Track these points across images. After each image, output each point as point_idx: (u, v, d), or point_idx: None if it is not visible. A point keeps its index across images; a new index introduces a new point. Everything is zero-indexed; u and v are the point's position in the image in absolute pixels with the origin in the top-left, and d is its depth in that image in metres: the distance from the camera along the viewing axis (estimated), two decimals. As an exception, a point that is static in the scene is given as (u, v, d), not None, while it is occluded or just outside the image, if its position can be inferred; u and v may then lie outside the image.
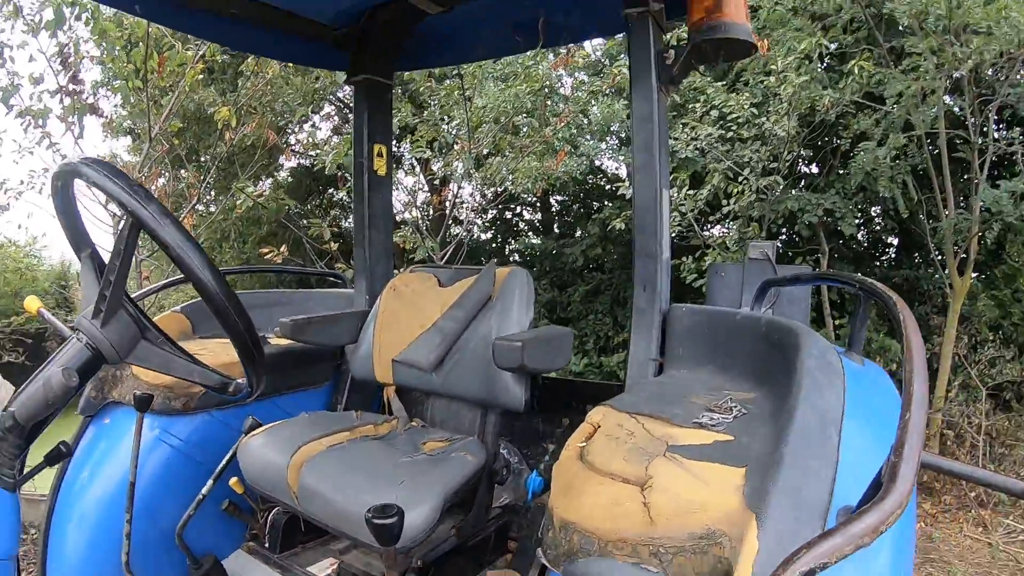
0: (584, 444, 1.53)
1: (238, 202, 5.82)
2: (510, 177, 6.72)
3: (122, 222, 1.32)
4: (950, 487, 5.42)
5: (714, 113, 6.44)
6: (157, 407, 2.28)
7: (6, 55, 5.21)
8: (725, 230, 7.00)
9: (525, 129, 7.01)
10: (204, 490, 2.22)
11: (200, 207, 7.27)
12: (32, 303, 1.62)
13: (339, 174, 6.60)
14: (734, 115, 6.24)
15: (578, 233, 9.50)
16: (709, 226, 7.18)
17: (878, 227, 7.96)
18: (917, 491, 3.88)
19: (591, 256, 8.69)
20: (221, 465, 2.27)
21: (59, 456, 1.41)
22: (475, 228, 7.94)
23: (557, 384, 2.98)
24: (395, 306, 2.57)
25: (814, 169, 7.50)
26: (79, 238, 1.47)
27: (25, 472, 1.65)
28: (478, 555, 2.34)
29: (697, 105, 6.54)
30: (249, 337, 1.38)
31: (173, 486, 2.32)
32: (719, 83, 6.53)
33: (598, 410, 1.72)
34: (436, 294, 2.52)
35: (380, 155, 2.91)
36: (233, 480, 2.33)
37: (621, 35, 2.93)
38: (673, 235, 6.41)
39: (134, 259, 6.22)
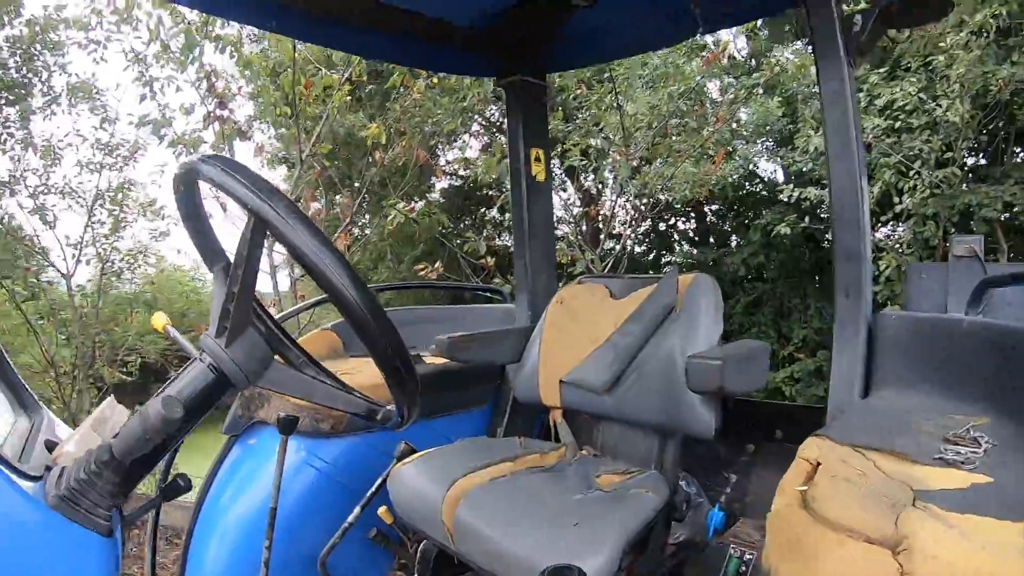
0: (805, 488, 1.21)
1: (389, 218, 5.79)
2: (667, 185, 6.38)
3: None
4: None
5: (878, 103, 5.96)
6: (304, 429, 2.17)
7: (156, 88, 5.49)
8: (897, 230, 6.40)
9: (679, 135, 6.66)
10: (350, 518, 2.09)
11: (355, 230, 7.37)
12: (158, 320, 1.51)
13: (490, 194, 6.52)
14: (900, 103, 5.73)
15: (734, 242, 9.02)
16: (880, 226, 6.60)
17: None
18: None
19: (752, 265, 8.19)
20: (370, 493, 2.12)
21: (176, 491, 1.24)
22: (629, 241, 7.63)
23: (741, 405, 2.62)
24: (562, 321, 2.31)
25: (983, 160, 6.77)
26: (210, 248, 1.30)
27: (139, 507, 1.53)
28: None
29: (860, 95, 6.00)
30: (398, 356, 1.15)
31: (318, 511, 2.21)
32: (880, 70, 6.00)
33: (812, 443, 1.39)
34: (609, 307, 2.24)
35: (538, 160, 2.70)
36: (382, 509, 2.17)
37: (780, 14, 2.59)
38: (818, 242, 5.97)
39: (289, 279, 6.41)
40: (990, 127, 5.98)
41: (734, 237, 9.30)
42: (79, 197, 6.88)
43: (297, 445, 2.17)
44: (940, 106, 5.51)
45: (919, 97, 5.67)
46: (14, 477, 0.91)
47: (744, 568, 1.79)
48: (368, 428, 2.29)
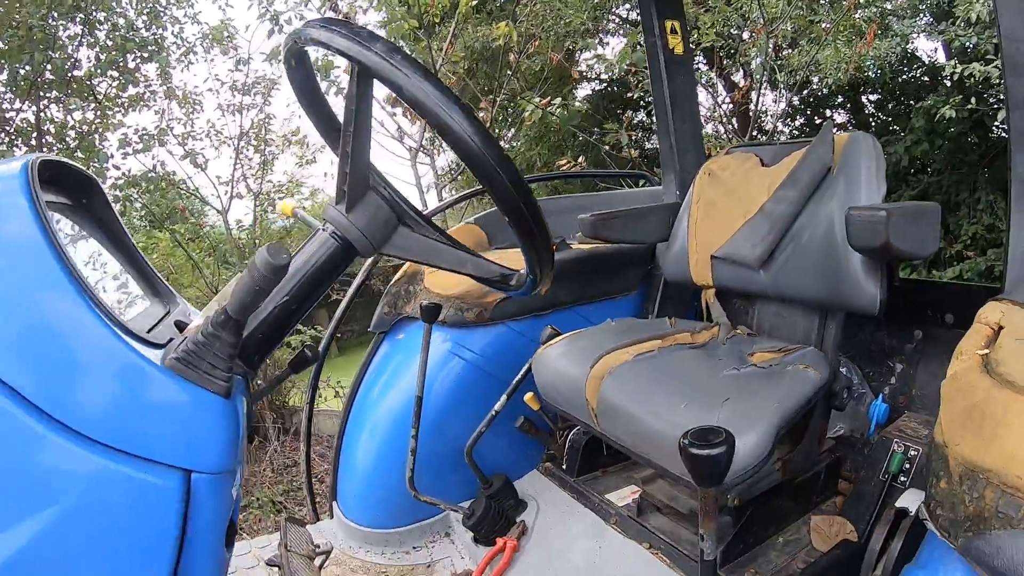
0: (986, 351, 1.08)
1: (527, 113, 5.69)
2: (815, 69, 5.92)
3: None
4: None
5: None
6: (449, 319, 2.20)
7: (282, 21, 5.58)
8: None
9: (822, 11, 6.13)
10: (497, 406, 2.10)
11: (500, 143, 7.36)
12: (287, 206, 1.52)
13: (635, 96, 6.28)
14: None
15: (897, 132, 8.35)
16: None
17: None
18: None
19: (916, 154, 7.56)
20: (516, 379, 2.13)
21: (304, 362, 1.25)
22: (782, 137, 7.19)
23: (906, 286, 2.39)
24: (711, 194, 2.17)
25: None
26: (328, 124, 1.28)
27: (273, 377, 1.56)
28: (804, 497, 1.94)
29: None
30: (523, 202, 1.05)
31: (464, 401, 2.25)
32: None
33: (992, 306, 1.24)
34: (760, 175, 2.08)
35: (674, 32, 2.51)
36: (528, 396, 2.18)
37: None
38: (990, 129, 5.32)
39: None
40: None
41: (895, 127, 8.60)
42: (225, 139, 7.24)
43: (443, 336, 2.21)
44: None
45: None
46: (134, 343, 0.92)
47: (909, 465, 1.70)
48: (514, 316, 2.30)
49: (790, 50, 6.15)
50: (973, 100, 6.50)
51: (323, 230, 1.10)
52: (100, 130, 6.47)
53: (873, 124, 9.28)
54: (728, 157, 2.25)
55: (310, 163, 8.06)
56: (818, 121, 9.39)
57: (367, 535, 2.24)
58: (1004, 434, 0.88)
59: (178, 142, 7.04)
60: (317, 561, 1.79)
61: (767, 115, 7.14)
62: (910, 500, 1.48)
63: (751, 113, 6.69)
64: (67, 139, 6.36)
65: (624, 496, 2.10)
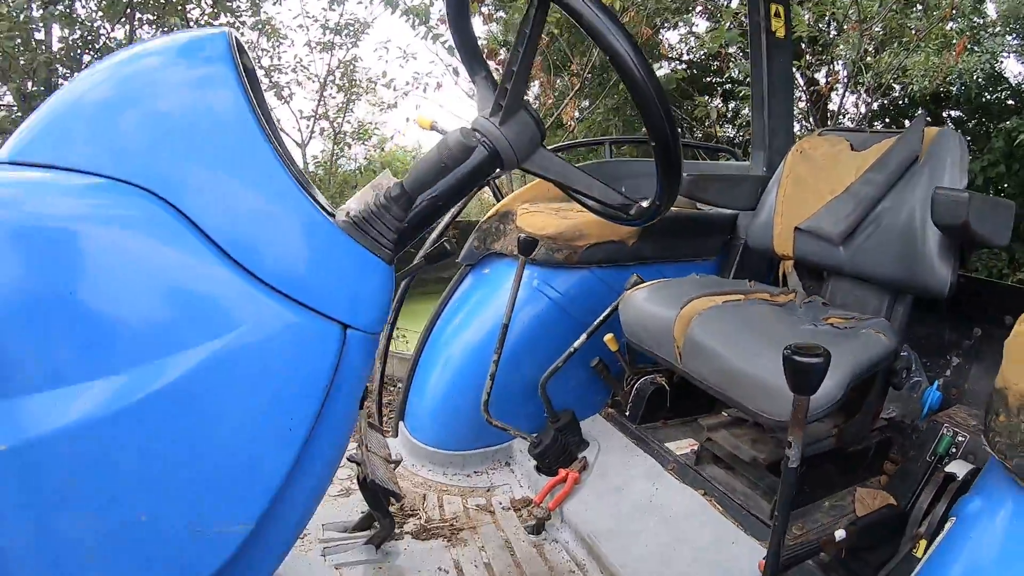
0: None
1: (612, 83, 5.80)
2: (901, 74, 5.92)
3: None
4: None
5: None
6: (539, 258, 2.33)
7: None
8: None
9: (915, 16, 6.10)
10: (576, 343, 2.24)
11: (577, 113, 7.43)
12: (425, 120, 1.63)
13: (714, 81, 6.29)
14: None
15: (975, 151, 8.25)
16: None
17: None
18: None
19: (991, 175, 7.46)
20: (599, 319, 2.27)
21: (441, 255, 1.36)
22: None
23: (972, 284, 2.50)
24: (801, 171, 2.30)
25: None
26: (473, 57, 1.37)
27: (411, 266, 1.67)
28: (852, 468, 2.06)
29: None
30: (670, 135, 1.15)
31: (544, 337, 2.39)
32: None
33: None
34: (849, 157, 2.20)
35: (778, 15, 2.60)
36: (608, 336, 2.33)
37: None
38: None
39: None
40: None
41: (975, 147, 8.49)
42: (311, 75, 7.41)
43: (531, 274, 2.33)
44: None
45: None
46: (316, 205, 1.00)
47: (955, 449, 1.78)
48: (600, 263, 2.44)
49: (878, 52, 6.14)
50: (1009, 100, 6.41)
51: (474, 139, 1.15)
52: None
53: None
54: (820, 138, 2.36)
55: (392, 107, 8.25)
56: (894, 129, 9.34)
57: (432, 454, 2.39)
58: None
59: (264, 73, 7.23)
60: (392, 465, 1.96)
61: (845, 116, 7.13)
62: (957, 468, 1.60)
63: (830, 112, 6.71)
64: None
65: (682, 447, 2.24)
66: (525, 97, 1.25)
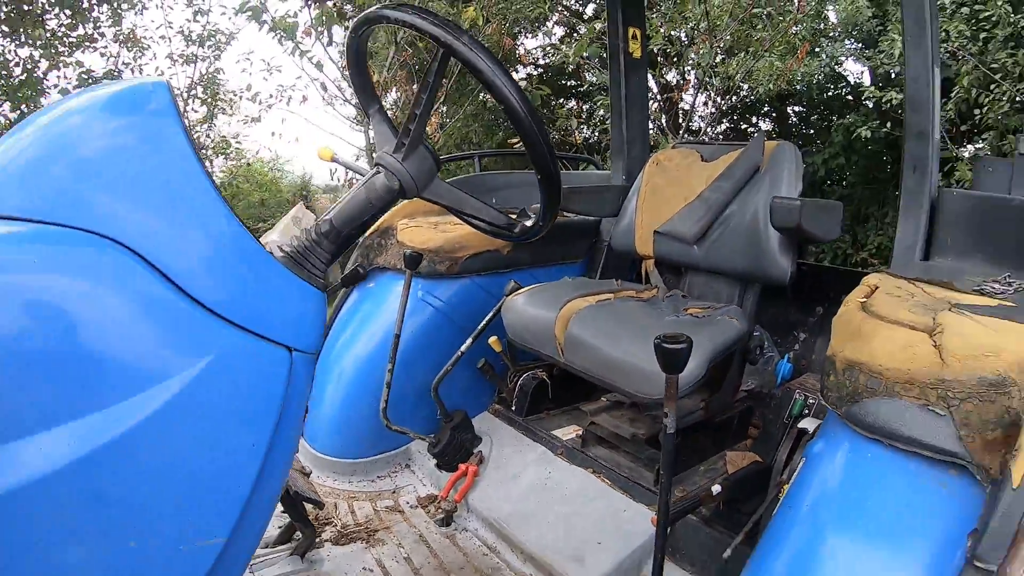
0: (865, 300, 1.54)
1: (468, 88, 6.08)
2: (748, 76, 6.49)
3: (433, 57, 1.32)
4: None
5: (965, 10, 5.84)
6: (422, 270, 2.50)
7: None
8: (978, 146, 6.36)
9: (763, 27, 6.70)
10: (463, 347, 2.44)
11: (437, 118, 7.67)
12: (326, 152, 1.79)
13: (568, 84, 6.62)
14: (986, 12, 5.61)
15: (816, 145, 9.01)
16: (963, 141, 6.54)
17: None
18: None
19: (832, 167, 8.23)
20: (482, 324, 2.48)
21: (355, 278, 1.48)
22: (707, 138, 7.77)
23: (812, 271, 2.93)
24: (658, 180, 2.63)
25: None
26: (368, 95, 1.54)
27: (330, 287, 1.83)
28: (720, 436, 2.40)
29: (944, 1, 5.92)
30: (551, 161, 1.37)
31: (432, 343, 2.57)
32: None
33: (873, 275, 1.72)
34: (700, 168, 2.55)
35: (635, 38, 2.93)
36: (492, 339, 2.56)
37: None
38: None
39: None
40: None
41: (818, 141, 9.26)
42: (175, 88, 7.29)
43: (415, 285, 2.49)
44: None
45: (1007, 7, 5.54)
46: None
47: (808, 410, 2.09)
48: (479, 271, 2.65)
49: (728, 58, 6.69)
50: (889, 124, 7.17)
51: (378, 172, 1.33)
52: (48, 68, 6.48)
53: (796, 134, 9.94)
54: (674, 151, 2.70)
55: (255, 121, 8.20)
56: (744, 126, 10.02)
57: (335, 464, 2.53)
58: (869, 345, 1.32)
59: None
60: (306, 475, 2.10)
61: (696, 116, 7.70)
62: (808, 424, 1.89)
63: (681, 113, 7.24)
64: (8, 75, 6.36)
65: (568, 433, 2.50)
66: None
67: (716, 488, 1.88)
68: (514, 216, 1.60)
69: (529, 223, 1.56)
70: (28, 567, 0.88)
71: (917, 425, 1.18)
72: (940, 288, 1.63)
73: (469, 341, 2.46)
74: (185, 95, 7.24)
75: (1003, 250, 1.86)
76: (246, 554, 1.15)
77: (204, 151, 7.89)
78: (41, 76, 6.45)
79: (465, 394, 2.66)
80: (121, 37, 7.00)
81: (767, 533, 1.42)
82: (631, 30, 2.91)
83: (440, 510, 2.29)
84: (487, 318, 2.49)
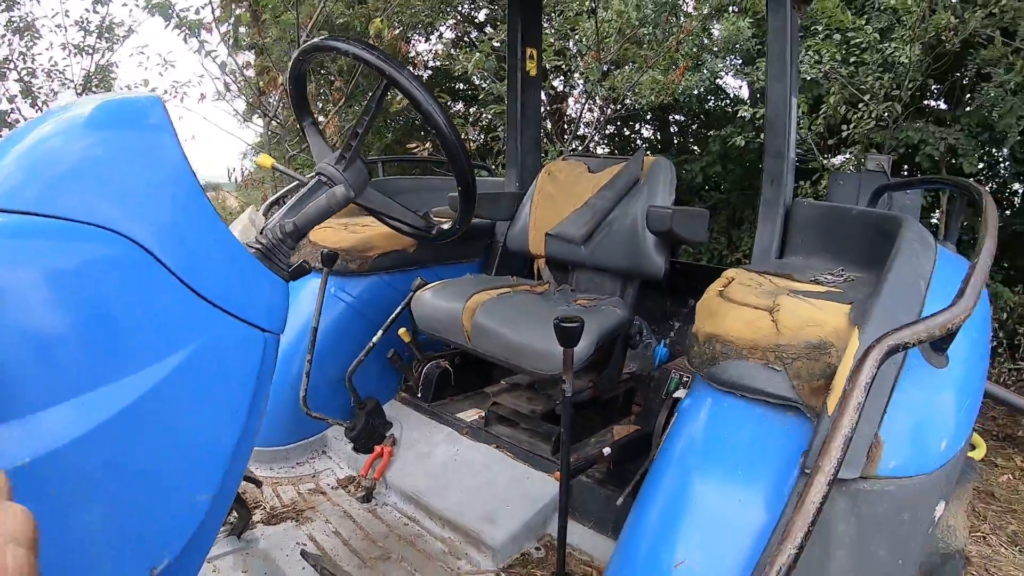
0: (723, 288, 1.93)
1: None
2: (633, 89, 7.00)
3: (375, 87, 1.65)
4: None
5: (837, 36, 6.44)
6: (336, 268, 2.73)
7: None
8: (845, 157, 7.02)
9: (648, 44, 7.22)
10: (375, 339, 2.70)
11: (337, 121, 7.87)
12: (266, 160, 2.02)
13: (457, 87, 6.93)
14: (857, 40, 6.23)
15: (696, 153, 9.59)
16: (829, 154, 7.20)
17: (1006, 173, 7.66)
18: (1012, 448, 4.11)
19: (710, 174, 8.80)
20: (392, 317, 2.75)
21: (302, 271, 1.73)
22: (593, 144, 8.26)
23: (686, 268, 3.38)
24: (550, 188, 3.00)
25: (944, 105, 7.30)
26: (303, 109, 1.85)
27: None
28: (607, 413, 2.78)
29: (819, 27, 6.53)
30: (469, 175, 1.73)
31: (346, 337, 2.82)
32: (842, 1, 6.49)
33: (731, 270, 2.11)
34: (587, 178, 2.93)
35: (531, 58, 3.30)
36: (402, 330, 2.83)
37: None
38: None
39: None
40: (947, 76, 6.49)
41: (696, 148, 9.84)
42: (67, 80, 7.17)
43: (329, 283, 2.70)
44: (893, 47, 6.01)
45: (876, 36, 6.14)
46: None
47: (683, 387, 2.43)
48: (388, 269, 2.93)
49: (614, 70, 7.18)
50: (761, 136, 7.78)
51: (320, 180, 1.63)
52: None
53: (676, 142, 10.57)
54: (564, 163, 3.08)
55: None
56: (627, 133, 10.61)
57: (257, 453, 2.71)
58: (724, 321, 1.68)
59: (17, 77, 6.92)
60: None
61: (582, 124, 8.17)
62: (682, 394, 2.19)
63: (565, 120, 7.71)
64: None
65: (471, 415, 2.83)
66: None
67: (607, 450, 2.25)
68: (432, 221, 1.93)
69: (446, 226, 1.90)
70: (49, 532, 0.90)
71: (761, 380, 1.52)
72: (783, 279, 2.02)
73: (380, 333, 2.72)
74: (79, 88, 7.09)
75: (842, 249, 2.25)
76: (225, 507, 1.33)
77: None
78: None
79: (376, 382, 2.91)
80: (16, 23, 6.82)
81: (647, 480, 1.74)
82: (529, 50, 3.28)
83: (361, 488, 2.56)
84: (397, 311, 2.76)
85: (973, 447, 4.81)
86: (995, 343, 6.22)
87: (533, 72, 3.32)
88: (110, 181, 1.16)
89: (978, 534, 4.01)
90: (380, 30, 5.98)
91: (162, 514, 1.14)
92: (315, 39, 1.72)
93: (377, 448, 2.67)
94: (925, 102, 6.86)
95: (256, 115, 7.64)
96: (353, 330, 2.84)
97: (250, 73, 7.41)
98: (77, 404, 1.01)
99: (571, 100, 8.18)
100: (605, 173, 2.89)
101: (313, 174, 1.70)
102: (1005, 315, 6.37)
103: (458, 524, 2.28)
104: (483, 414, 2.78)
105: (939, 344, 1.49)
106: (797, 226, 2.44)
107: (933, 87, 6.63)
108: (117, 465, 1.06)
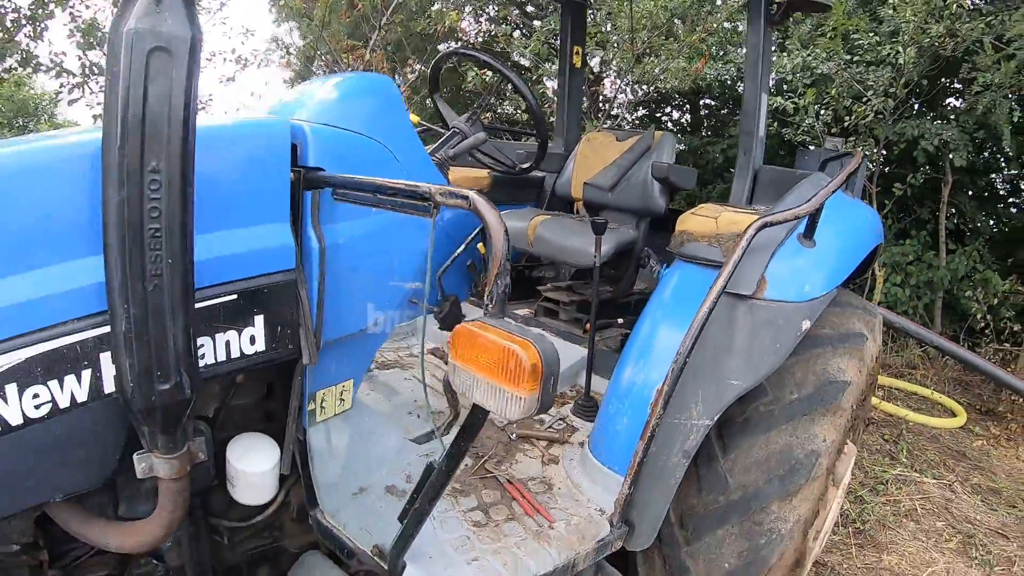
0: (693, 211, 3.05)
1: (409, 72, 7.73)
2: (662, 76, 8.27)
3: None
4: (1020, 416, 6.33)
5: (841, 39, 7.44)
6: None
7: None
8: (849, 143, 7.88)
9: (676, 35, 8.50)
10: (459, 250, 3.54)
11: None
12: (414, 117, 3.21)
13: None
14: (860, 40, 7.22)
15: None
16: (847, 142, 8.16)
17: (1004, 168, 8.70)
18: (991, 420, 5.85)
19: (731, 156, 9.88)
20: (472, 234, 3.78)
21: None
22: (625, 124, 9.52)
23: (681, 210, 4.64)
24: (587, 151, 4.32)
25: (944, 103, 8.36)
26: (435, 87, 3.12)
27: None
28: (622, 314, 3.96)
29: (825, 28, 7.56)
30: (545, 135, 3.03)
31: (438, 251, 3.58)
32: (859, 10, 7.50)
33: (705, 205, 3.31)
34: (615, 145, 4.24)
35: (577, 53, 4.60)
36: (480, 244, 3.86)
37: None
38: (799, 142, 7.69)
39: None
40: (942, 78, 7.41)
41: (721, 131, 10.81)
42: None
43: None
44: (890, 49, 6.95)
45: (876, 39, 7.12)
46: None
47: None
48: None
49: (646, 58, 8.46)
50: (776, 124, 8.70)
51: (455, 132, 2.96)
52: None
53: (705, 125, 11.75)
54: (599, 133, 4.39)
55: (230, 80, 9.58)
56: (658, 115, 11.82)
57: None
58: (688, 224, 2.91)
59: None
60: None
61: (616, 104, 9.41)
62: None
63: (605, 97, 9.00)
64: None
65: (523, 310, 4.10)
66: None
67: (620, 320, 3.55)
68: (516, 162, 3.24)
69: (526, 165, 3.20)
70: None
71: (704, 252, 2.67)
72: (733, 209, 3.16)
73: (462, 247, 3.77)
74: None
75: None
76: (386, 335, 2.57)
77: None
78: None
79: (459, 285, 3.82)
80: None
81: (633, 329, 2.83)
82: (575, 47, 4.58)
83: (444, 355, 3.85)
84: (475, 231, 3.82)
85: (954, 414, 6.00)
86: (983, 324, 7.36)
87: (578, 64, 4.60)
88: (367, 118, 2.27)
89: (944, 483, 5.20)
90: (455, 21, 7.32)
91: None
92: (454, 46, 3.03)
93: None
94: (923, 100, 7.91)
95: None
96: (441, 245, 3.62)
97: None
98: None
99: (607, 82, 9.45)
100: (627, 142, 4.17)
101: (451, 129, 2.99)
102: (996, 300, 7.46)
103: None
104: (533, 310, 4.06)
105: (807, 233, 2.73)
106: (761, 184, 3.64)
107: (926, 87, 7.54)
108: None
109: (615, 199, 4.11)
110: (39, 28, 8.45)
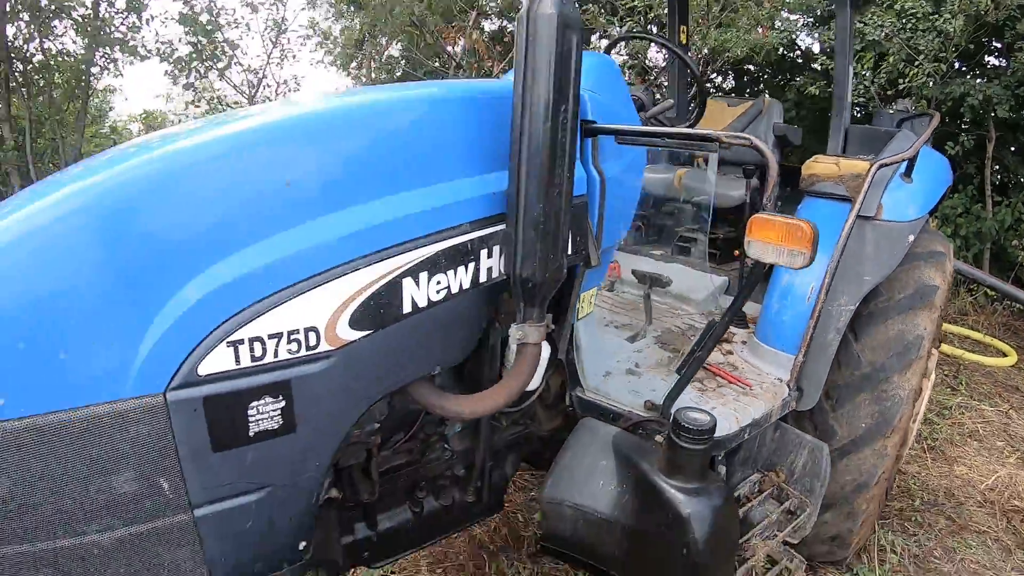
0: (814, 160, 4.16)
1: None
2: (724, 47, 9.25)
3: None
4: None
5: (896, 6, 8.32)
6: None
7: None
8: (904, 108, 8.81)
9: (736, 10, 9.48)
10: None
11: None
12: None
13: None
14: (913, 10, 8.10)
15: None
16: (891, 102, 9.11)
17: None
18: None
19: (786, 119, 10.65)
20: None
21: None
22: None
23: (789, 167, 5.65)
24: (708, 113, 5.25)
25: (995, 61, 9.15)
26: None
27: None
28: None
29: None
30: (705, 95, 4.01)
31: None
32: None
33: (820, 156, 4.33)
34: (728, 110, 5.20)
35: (682, 32, 5.47)
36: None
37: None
38: (857, 105, 8.55)
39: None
40: (984, 40, 8.22)
41: (774, 96, 11.72)
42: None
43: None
44: (941, 17, 7.76)
45: (927, 8, 7.93)
46: None
47: None
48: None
49: (711, 29, 9.44)
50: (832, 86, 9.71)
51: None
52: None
53: (748, 91, 12.47)
54: (712, 101, 5.33)
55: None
56: (720, 80, 12.85)
57: None
58: (815, 168, 3.91)
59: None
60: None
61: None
62: None
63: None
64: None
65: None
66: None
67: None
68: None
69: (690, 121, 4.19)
70: None
71: (832, 189, 3.56)
72: (846, 158, 4.10)
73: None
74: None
75: (872, 148, 4.20)
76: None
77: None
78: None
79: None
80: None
81: None
82: (681, 27, 5.51)
83: (609, 282, 4.82)
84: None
85: (1005, 355, 6.96)
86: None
87: (684, 40, 5.51)
88: (606, 86, 2.71)
89: (1000, 410, 6.21)
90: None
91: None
92: (627, 31, 3.97)
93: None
94: (968, 61, 8.72)
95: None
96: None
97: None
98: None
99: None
100: (739, 108, 5.12)
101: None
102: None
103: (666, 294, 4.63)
104: (669, 249, 5.02)
105: (907, 172, 3.68)
106: (850, 140, 4.54)
107: (972, 50, 8.33)
108: None
109: (733, 154, 5.05)
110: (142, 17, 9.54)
